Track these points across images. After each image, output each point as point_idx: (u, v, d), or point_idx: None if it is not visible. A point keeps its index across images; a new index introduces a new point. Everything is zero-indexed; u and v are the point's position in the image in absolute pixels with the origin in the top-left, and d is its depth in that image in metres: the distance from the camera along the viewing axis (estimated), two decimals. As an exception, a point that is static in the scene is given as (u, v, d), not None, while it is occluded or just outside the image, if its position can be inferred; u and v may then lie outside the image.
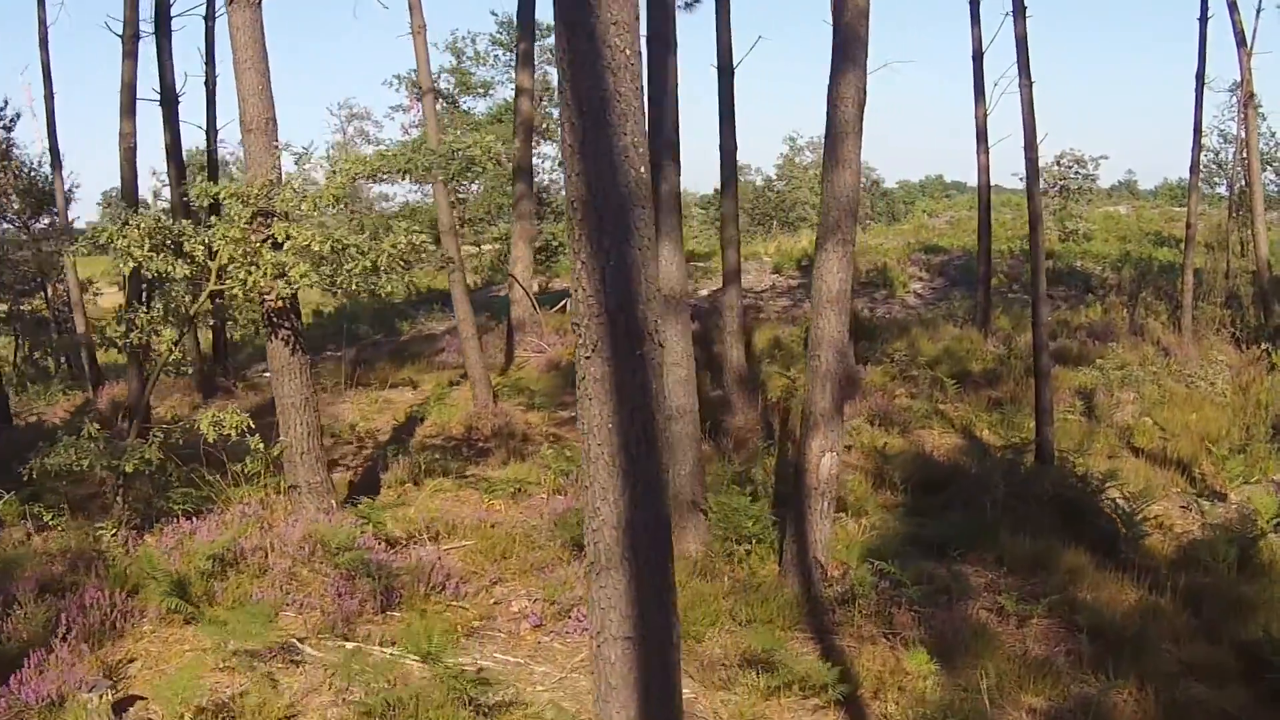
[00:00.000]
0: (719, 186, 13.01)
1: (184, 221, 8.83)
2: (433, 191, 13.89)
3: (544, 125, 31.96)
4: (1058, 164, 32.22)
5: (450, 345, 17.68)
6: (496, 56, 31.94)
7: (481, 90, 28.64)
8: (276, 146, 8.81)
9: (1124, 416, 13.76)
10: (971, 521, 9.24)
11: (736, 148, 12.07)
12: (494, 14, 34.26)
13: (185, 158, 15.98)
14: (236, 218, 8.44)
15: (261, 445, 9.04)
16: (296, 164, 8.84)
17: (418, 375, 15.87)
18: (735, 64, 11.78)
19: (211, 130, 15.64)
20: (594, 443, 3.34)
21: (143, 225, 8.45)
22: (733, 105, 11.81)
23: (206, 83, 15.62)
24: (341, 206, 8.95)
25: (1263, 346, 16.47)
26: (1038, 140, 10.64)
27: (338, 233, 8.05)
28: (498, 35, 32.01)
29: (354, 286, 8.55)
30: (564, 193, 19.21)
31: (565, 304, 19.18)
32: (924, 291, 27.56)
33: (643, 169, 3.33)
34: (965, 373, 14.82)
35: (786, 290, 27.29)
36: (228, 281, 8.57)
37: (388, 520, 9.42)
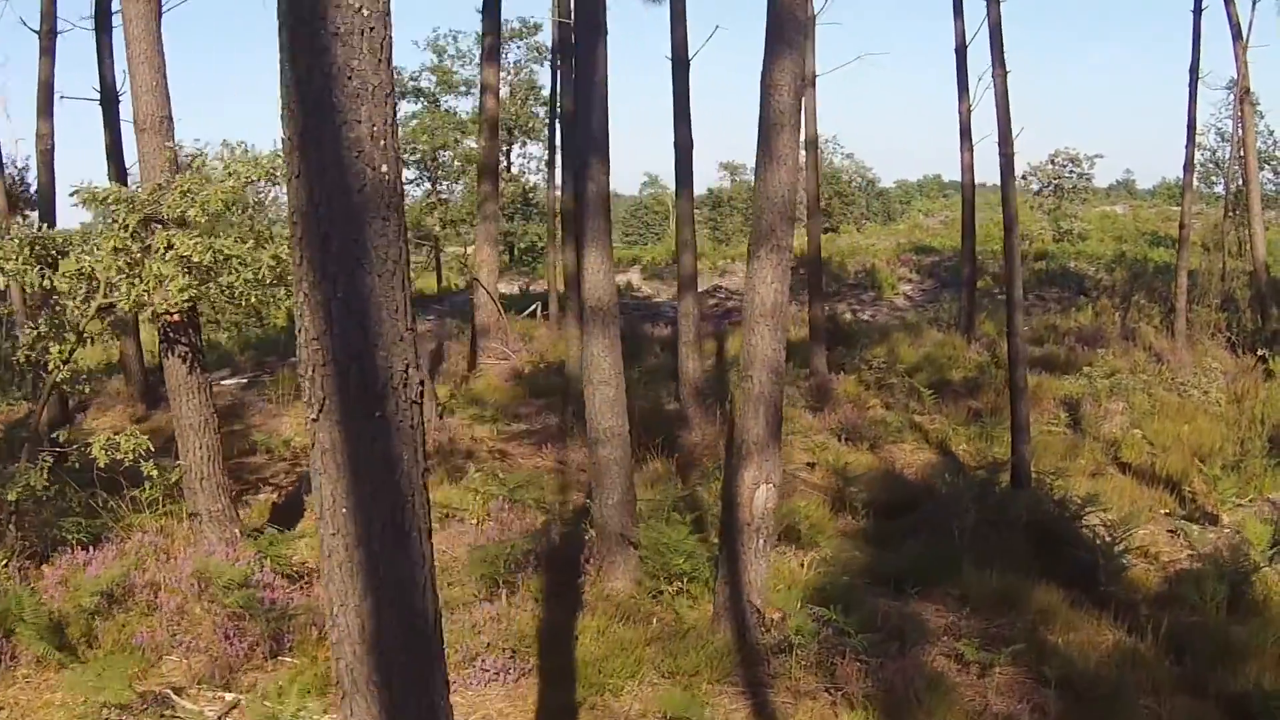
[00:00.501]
0: (677, 186, 12.07)
1: (71, 230, 7.95)
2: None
3: (529, 124, 31.09)
4: (1052, 163, 31.24)
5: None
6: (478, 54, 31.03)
7: (465, 89, 27.75)
8: (170, 146, 7.93)
9: (1112, 428, 12.81)
10: (936, 552, 8.32)
11: (693, 144, 11.15)
12: (479, 11, 33.51)
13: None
14: (123, 225, 7.57)
15: (155, 471, 8.18)
16: (190, 165, 7.97)
17: (375, 384, 15.00)
18: (691, 56, 10.88)
19: (157, 130, 14.74)
20: (327, 532, 2.45)
21: (20, 236, 7.60)
22: (688, 99, 10.92)
23: (153, 80, 14.74)
24: (239, 212, 8.03)
25: (1259, 352, 15.50)
26: (1013, 135, 9.70)
27: (218, 243, 7.15)
28: (481, 33, 31.11)
29: (250, 301, 7.65)
30: (554, 196, 18.52)
31: (536, 308, 18.30)
32: (914, 293, 26.61)
33: (384, 167, 2.42)
34: (945, 382, 13.89)
35: (773, 292, 26.40)
36: (116, 294, 7.70)
37: (302, 549, 8.58)
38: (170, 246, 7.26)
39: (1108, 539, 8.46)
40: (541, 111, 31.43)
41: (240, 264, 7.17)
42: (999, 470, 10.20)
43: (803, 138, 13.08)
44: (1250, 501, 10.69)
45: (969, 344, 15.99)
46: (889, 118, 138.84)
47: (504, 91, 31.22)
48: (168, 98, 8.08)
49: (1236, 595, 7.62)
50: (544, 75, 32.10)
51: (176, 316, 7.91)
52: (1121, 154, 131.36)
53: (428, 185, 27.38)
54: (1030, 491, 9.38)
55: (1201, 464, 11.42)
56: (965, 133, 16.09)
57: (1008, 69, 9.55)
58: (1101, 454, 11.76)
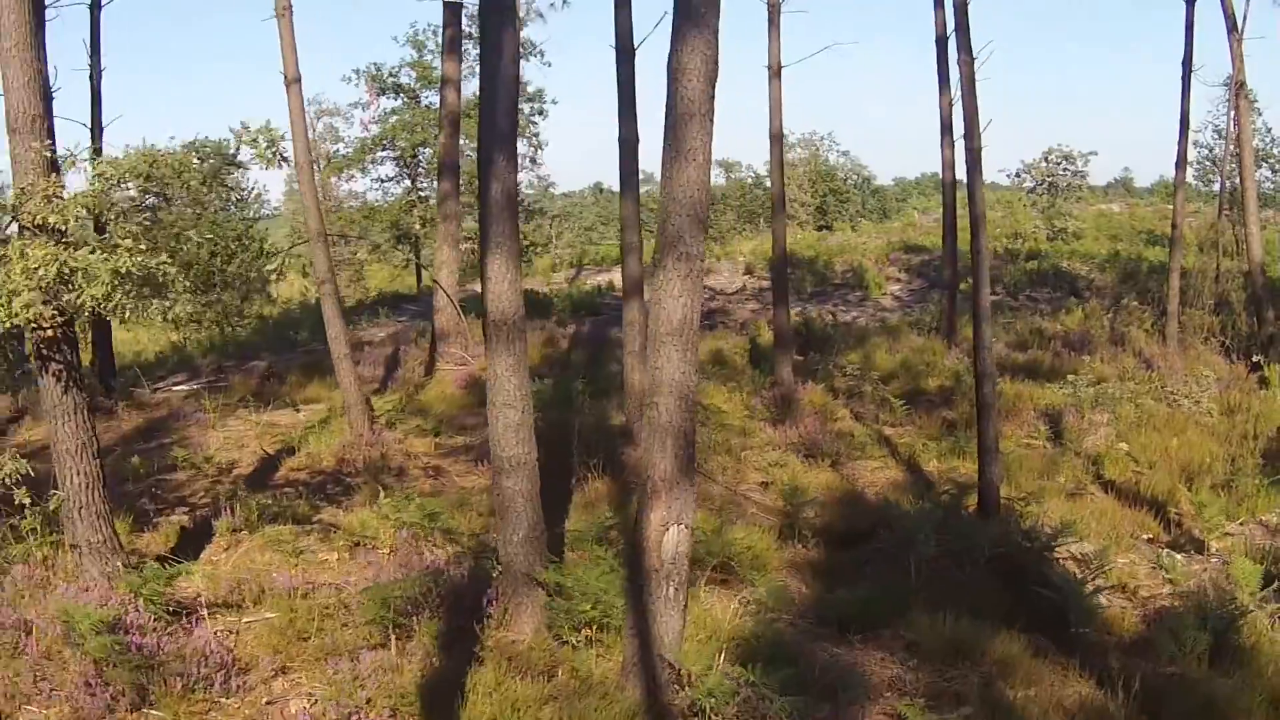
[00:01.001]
0: (621, 186, 11.12)
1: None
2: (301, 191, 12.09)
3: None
4: (1045, 160, 30.18)
5: (369, 357, 15.96)
6: (466, 50, 30.12)
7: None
8: (39, 147, 7.04)
9: (1096, 441, 11.87)
10: (888, 589, 7.40)
11: (638, 139, 10.23)
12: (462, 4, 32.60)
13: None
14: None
15: (28, 500, 7.33)
16: (61, 167, 7.08)
17: (327, 391, 14.11)
18: (637, 45, 9.96)
19: (97, 128, 13.89)
20: None
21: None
22: (634, 92, 9.99)
23: (91, 76, 13.88)
24: (112, 218, 7.14)
25: (1253, 359, 14.52)
26: (980, 129, 8.77)
27: (65, 254, 6.25)
28: (465, 28, 30.17)
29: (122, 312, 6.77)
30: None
31: (465, 318, 17.38)
32: (902, 293, 25.61)
33: None
34: (919, 391, 12.96)
35: (756, 293, 25.43)
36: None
37: (198, 580, 7.73)
38: (23, 256, 6.39)
39: (1080, 575, 7.54)
40: (528, 108, 30.54)
41: (85, 279, 6.25)
42: (966, 492, 9.28)
43: (768, 131, 12.17)
44: (1240, 523, 9.76)
45: (949, 349, 15.05)
46: (887, 115, 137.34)
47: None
48: (42, 94, 7.20)
49: (1220, 644, 6.69)
50: (529, 71, 31.21)
51: (50, 332, 7.05)
52: (1119, 152, 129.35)
53: (408, 183, 26.52)
54: (998, 519, 8.46)
55: (1190, 483, 10.50)
56: (946, 127, 15.16)
57: (975, 55, 8.61)
58: (1083, 471, 10.82)
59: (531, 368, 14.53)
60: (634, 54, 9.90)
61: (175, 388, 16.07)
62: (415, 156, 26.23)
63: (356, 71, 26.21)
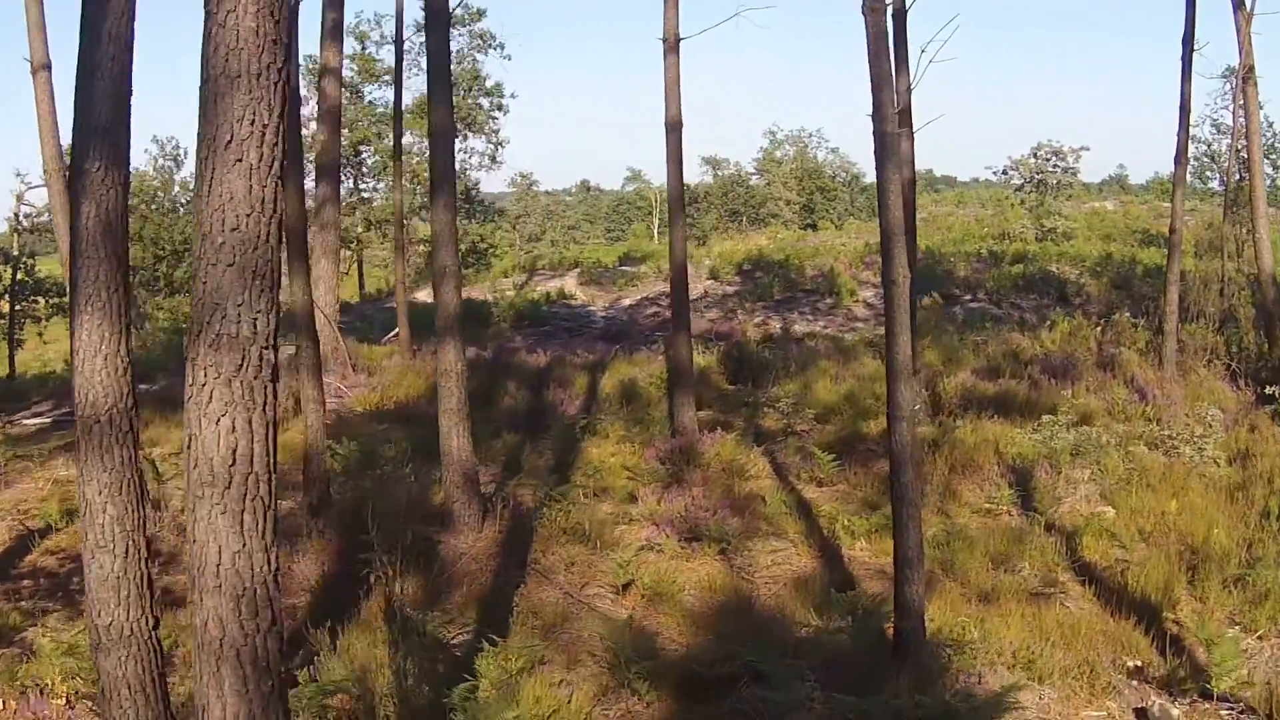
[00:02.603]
0: (429, 186, 8.25)
1: None
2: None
3: (473, 117, 27.49)
4: (1034, 156, 27.19)
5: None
6: (421, 44, 27.41)
7: (389, 78, 24.20)
8: None
9: (1075, 506, 9.12)
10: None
11: (454, 131, 7.54)
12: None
13: None
14: None
15: None
16: None
17: (171, 432, 11.51)
18: (451, 7, 7.27)
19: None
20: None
21: None
22: (447, 65, 7.20)
23: None
24: None
25: (1268, 390, 11.67)
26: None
27: None
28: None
29: None
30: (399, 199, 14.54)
31: (397, 333, 14.74)
32: (875, 300, 22.69)
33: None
34: (859, 436, 10.20)
35: (718, 299, 22.66)
36: None
37: None
38: None
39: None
40: (486, 103, 27.86)
41: None
42: (883, 609, 6.53)
43: (664, 119, 9.41)
44: (1259, 637, 7.02)
45: None
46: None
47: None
48: None
49: None
50: (488, 65, 28.56)
51: None
52: (1114, 148, 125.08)
53: (349, 184, 23.88)
54: (916, 664, 5.72)
55: (1193, 572, 7.74)
56: (904, 114, 12.35)
57: (887, 2, 5.86)
58: (1055, 553, 8.07)
59: (404, 405, 11.82)
60: (450, 22, 7.18)
61: (29, 420, 13.56)
62: (357, 155, 23.57)
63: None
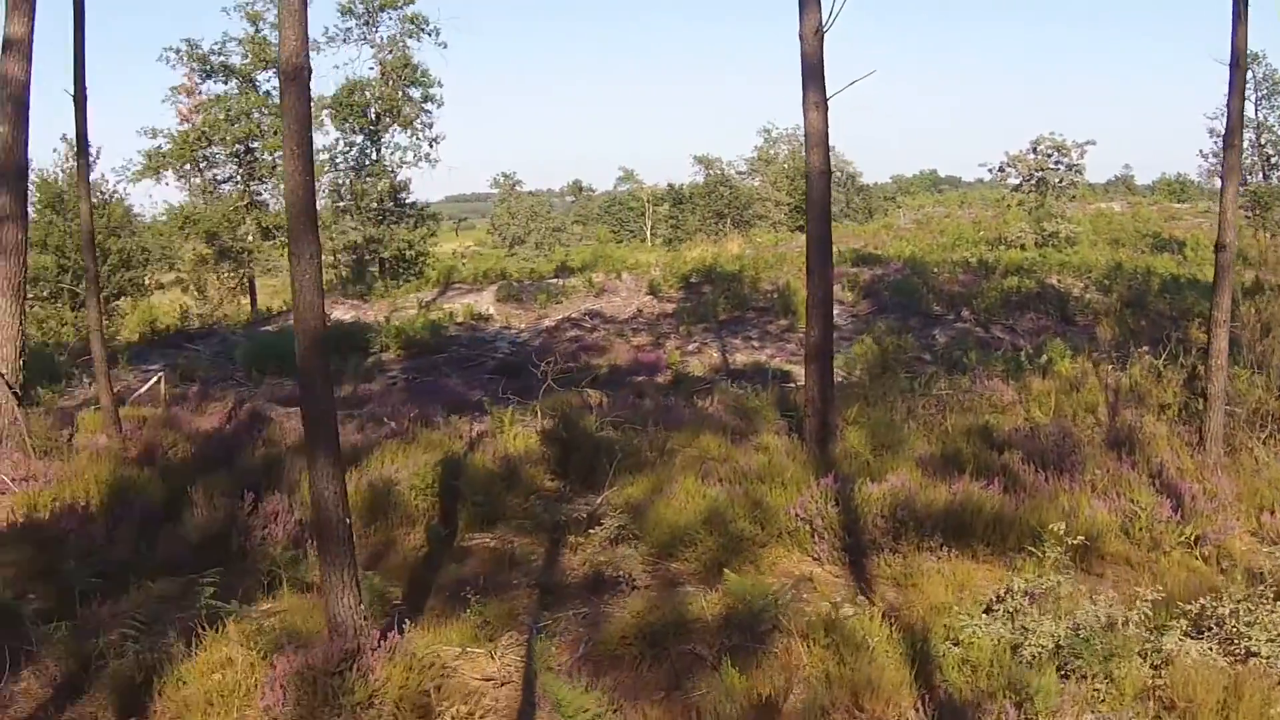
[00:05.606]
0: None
1: None
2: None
3: (399, 109, 23.07)
4: (1034, 152, 22.25)
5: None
6: (346, 30, 23.01)
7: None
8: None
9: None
10: None
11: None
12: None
13: None
14: None
15: None
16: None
17: None
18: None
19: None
20: None
21: None
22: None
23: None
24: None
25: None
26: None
27: None
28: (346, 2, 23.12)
29: None
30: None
31: (159, 379, 10.31)
32: (842, 320, 17.95)
33: None
34: (683, 625, 5.54)
35: (653, 320, 18.02)
36: None
37: None
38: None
39: None
40: (417, 94, 23.41)
41: None
42: None
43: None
44: None
45: (812, 476, 7.34)
46: (886, 111, 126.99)
47: (374, 71, 23.29)
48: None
49: None
50: (421, 53, 24.04)
51: None
52: (1119, 149, 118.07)
53: (240, 185, 19.59)
54: None
55: None
56: (812, 73, 7.71)
57: None
58: None
59: (63, 514, 6.42)
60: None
61: None
62: (249, 151, 19.22)
63: (175, 51, 19.22)
